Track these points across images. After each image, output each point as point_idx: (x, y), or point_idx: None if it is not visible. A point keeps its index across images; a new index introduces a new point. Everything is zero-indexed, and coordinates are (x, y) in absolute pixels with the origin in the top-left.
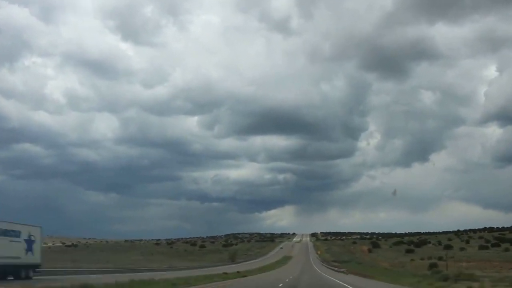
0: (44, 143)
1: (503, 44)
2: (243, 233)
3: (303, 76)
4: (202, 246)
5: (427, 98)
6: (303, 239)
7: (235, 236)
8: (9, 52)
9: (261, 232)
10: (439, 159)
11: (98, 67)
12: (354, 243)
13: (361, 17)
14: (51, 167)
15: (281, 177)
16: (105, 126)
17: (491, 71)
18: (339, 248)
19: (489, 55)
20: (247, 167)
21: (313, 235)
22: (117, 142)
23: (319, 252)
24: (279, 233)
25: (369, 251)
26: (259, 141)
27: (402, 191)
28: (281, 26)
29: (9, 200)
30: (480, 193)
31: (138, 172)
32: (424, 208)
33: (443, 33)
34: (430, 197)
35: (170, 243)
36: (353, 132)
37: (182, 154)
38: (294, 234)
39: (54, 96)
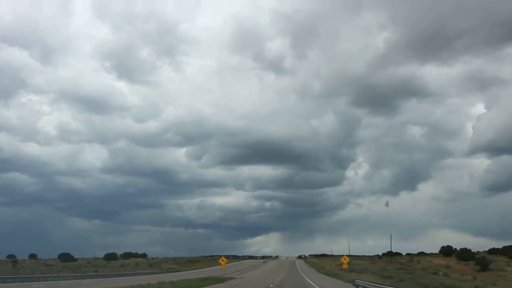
0: (31, 172)
1: (491, 83)
2: (217, 255)
3: (294, 112)
4: None
5: (415, 132)
6: (289, 259)
7: (205, 257)
8: (6, 90)
9: (238, 255)
10: (427, 189)
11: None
12: (390, 255)
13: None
14: (35, 194)
15: (267, 204)
16: (94, 156)
17: (479, 108)
18: (385, 265)
19: (477, 94)
20: (233, 195)
21: (301, 257)
22: (104, 171)
23: (344, 261)
24: (260, 255)
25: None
26: (246, 170)
27: (390, 219)
28: (275, 66)
29: None
30: (470, 221)
31: (123, 200)
32: (413, 235)
33: (433, 73)
34: (419, 224)
35: None
36: (342, 162)
37: (168, 183)
38: (277, 256)
39: (46, 129)
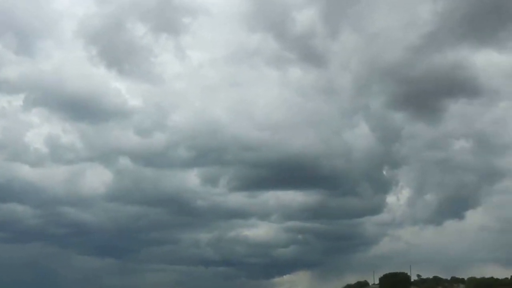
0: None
1: None
2: None
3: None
4: None
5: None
6: None
7: None
8: None
9: None
10: (475, 217)
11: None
12: None
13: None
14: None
15: (298, 237)
16: (97, 180)
17: None
18: None
19: None
20: (258, 226)
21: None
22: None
23: None
24: None
25: None
26: (272, 197)
27: (432, 252)
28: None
29: None
30: None
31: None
32: (456, 271)
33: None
34: (463, 259)
35: None
36: (381, 185)
37: (182, 213)
38: None
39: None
